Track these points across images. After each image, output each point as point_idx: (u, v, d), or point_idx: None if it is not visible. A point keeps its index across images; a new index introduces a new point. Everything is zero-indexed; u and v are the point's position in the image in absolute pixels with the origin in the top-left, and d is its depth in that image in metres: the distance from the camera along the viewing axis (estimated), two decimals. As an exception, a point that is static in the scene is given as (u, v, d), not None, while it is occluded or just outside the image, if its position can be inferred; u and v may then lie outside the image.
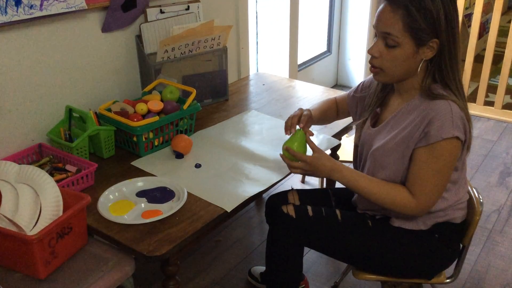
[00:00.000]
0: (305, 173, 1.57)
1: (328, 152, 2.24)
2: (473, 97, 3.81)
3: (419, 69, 1.43)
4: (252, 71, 2.85)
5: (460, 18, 3.64)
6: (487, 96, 3.76)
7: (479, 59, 3.85)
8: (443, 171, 1.42)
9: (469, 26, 3.74)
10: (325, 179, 2.43)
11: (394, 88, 1.55)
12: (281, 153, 1.59)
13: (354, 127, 1.84)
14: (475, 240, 2.38)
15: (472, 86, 3.92)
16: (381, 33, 1.40)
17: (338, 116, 1.86)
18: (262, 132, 2.02)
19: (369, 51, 1.45)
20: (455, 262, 1.64)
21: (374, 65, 1.46)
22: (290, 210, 1.58)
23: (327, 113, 1.83)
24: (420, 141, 1.42)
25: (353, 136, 1.78)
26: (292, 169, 1.58)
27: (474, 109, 3.75)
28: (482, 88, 3.72)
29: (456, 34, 1.41)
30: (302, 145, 1.58)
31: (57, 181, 1.52)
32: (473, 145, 3.24)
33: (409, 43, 1.38)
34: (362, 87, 1.72)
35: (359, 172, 1.54)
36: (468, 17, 4.24)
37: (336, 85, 4.29)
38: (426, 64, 1.44)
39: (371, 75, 1.61)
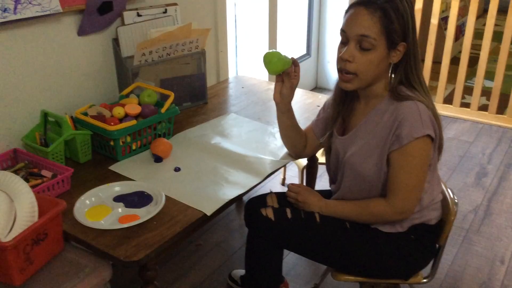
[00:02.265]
0: (297, 202, 1.65)
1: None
2: (449, 99, 3.87)
3: (388, 73, 1.48)
4: (231, 74, 2.85)
5: (437, 21, 3.70)
6: (463, 97, 3.82)
7: (455, 61, 3.92)
8: (416, 172, 1.45)
9: (446, 29, 3.79)
10: (305, 179, 2.44)
11: (359, 95, 1.57)
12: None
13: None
14: (452, 240, 2.41)
15: (449, 88, 3.98)
16: (356, 36, 1.42)
17: (306, 147, 1.78)
18: (241, 135, 2.02)
19: (342, 56, 1.44)
20: (432, 262, 1.67)
21: (348, 71, 1.45)
22: (269, 213, 1.59)
23: (298, 129, 1.75)
24: (393, 144, 1.44)
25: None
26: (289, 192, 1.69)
27: (451, 111, 3.81)
28: (459, 90, 3.78)
29: (416, 38, 1.47)
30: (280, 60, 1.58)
31: (33, 187, 1.50)
32: (449, 146, 3.33)
33: (383, 46, 1.42)
34: (324, 108, 1.72)
35: (342, 201, 1.60)
36: (444, 20, 4.31)
37: (316, 88, 4.31)
38: (390, 67, 1.48)
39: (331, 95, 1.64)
